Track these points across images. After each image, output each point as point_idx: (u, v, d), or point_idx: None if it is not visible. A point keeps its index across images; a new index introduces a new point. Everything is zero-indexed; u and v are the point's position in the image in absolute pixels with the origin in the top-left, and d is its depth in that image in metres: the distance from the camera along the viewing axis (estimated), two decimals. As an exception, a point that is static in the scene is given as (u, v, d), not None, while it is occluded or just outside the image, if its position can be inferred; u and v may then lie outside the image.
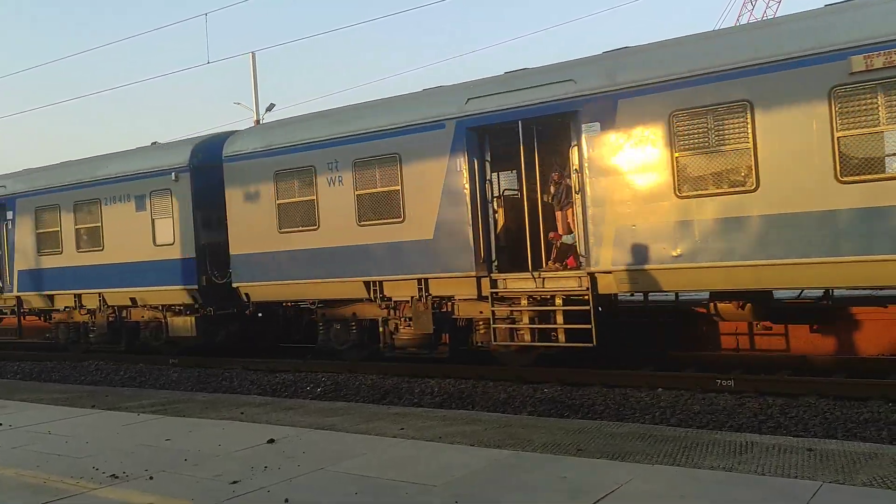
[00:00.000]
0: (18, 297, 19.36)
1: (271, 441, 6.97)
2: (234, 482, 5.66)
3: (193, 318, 15.84)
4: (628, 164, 10.90)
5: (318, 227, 13.78)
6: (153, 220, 16.22)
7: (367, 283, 13.35)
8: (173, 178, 15.80)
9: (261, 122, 32.81)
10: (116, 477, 5.99)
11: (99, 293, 17.51)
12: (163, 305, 16.51)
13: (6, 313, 20.33)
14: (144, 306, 16.84)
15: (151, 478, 5.92)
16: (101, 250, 17.27)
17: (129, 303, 17.01)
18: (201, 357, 16.55)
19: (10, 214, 19.36)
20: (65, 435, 7.83)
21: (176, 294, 16.04)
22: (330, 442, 6.90)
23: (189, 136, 16.82)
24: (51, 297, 18.67)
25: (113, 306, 17.43)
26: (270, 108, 37.50)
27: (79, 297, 17.98)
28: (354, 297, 13.66)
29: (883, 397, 9.37)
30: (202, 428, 7.89)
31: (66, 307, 18.51)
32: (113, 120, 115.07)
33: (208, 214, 15.74)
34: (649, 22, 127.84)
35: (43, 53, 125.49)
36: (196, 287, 15.55)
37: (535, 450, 6.20)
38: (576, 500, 4.85)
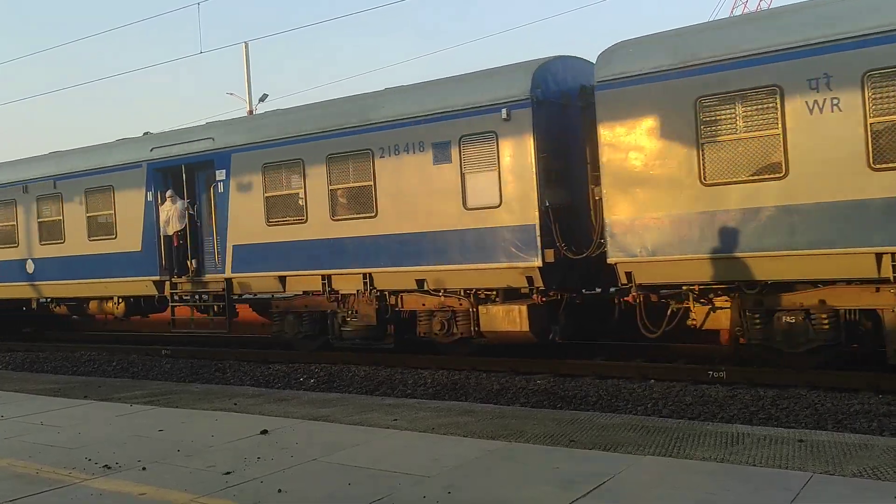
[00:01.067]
0: (229, 280, 15.04)
1: (264, 432, 6.97)
2: (228, 473, 5.67)
3: (525, 308, 11.67)
4: None
5: (786, 174, 9.59)
6: (463, 175, 12.15)
7: (878, 256, 9.19)
8: (503, 116, 11.70)
9: (254, 112, 32.74)
10: (109, 468, 5.98)
11: (364, 273, 13.34)
12: (465, 290, 12.50)
13: (205, 300, 15.68)
14: (438, 292, 12.77)
15: (144, 468, 5.92)
16: (373, 217, 13.12)
17: (414, 286, 12.92)
18: (194, 348, 16.53)
19: (221, 174, 15.03)
20: (57, 426, 7.82)
21: (500, 274, 11.95)
22: (323, 433, 6.91)
23: (522, 61, 12.40)
24: (282, 279, 14.43)
25: (382, 290, 13.35)
26: (263, 98, 37.43)
27: (328, 278, 13.86)
28: (836, 278, 9.69)
29: (873, 389, 9.44)
30: (195, 419, 7.89)
31: (305, 291, 14.39)
32: (105, 109, 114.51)
33: (552, 166, 11.78)
34: (642, 17, 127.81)
35: (34, 43, 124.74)
36: (538, 264, 11.46)
37: (528, 441, 6.23)
38: (568, 490, 4.87)
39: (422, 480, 5.25)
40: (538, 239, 11.49)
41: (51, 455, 6.54)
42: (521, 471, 5.40)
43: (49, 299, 18.86)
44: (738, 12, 59.52)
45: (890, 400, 8.88)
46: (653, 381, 10.69)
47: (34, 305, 19.26)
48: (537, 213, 11.50)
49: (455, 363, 12.78)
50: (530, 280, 11.72)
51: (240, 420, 7.69)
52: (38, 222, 18.07)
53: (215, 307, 15.51)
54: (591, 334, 12.90)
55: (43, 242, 17.96)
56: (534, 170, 11.53)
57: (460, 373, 12.08)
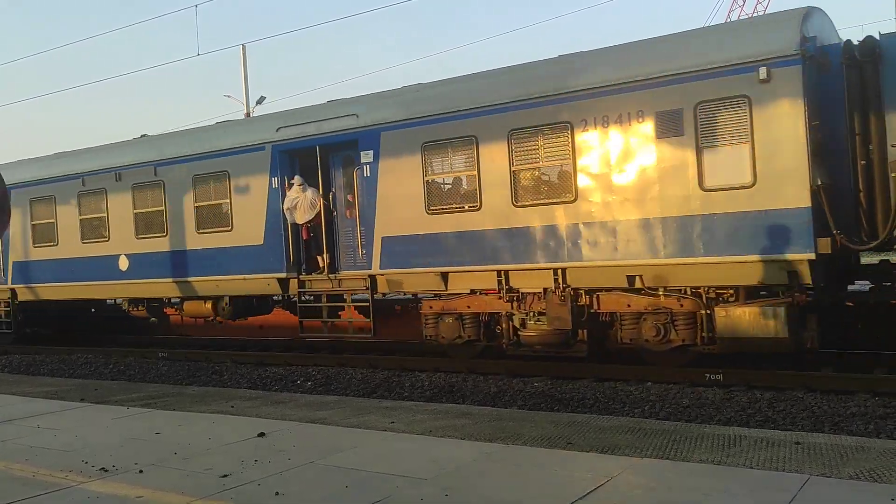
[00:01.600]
0: (374, 277, 13.11)
1: (262, 435, 6.96)
2: (225, 476, 5.66)
3: (783, 310, 9.80)
4: None
5: None
6: (699, 149, 10.22)
7: None
8: (761, 76, 9.72)
9: (251, 114, 32.74)
10: (106, 470, 5.97)
11: (556, 268, 11.31)
12: (692, 288, 10.60)
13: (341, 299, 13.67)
14: (655, 290, 10.79)
15: (141, 471, 5.90)
16: (571, 202, 11.13)
17: (623, 283, 10.99)
18: (190, 350, 16.50)
19: (367, 156, 13.00)
20: (54, 428, 7.80)
21: (750, 269, 10.00)
22: (321, 435, 6.90)
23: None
24: (444, 276, 12.44)
25: (577, 289, 11.32)
26: (261, 100, 37.47)
27: (505, 274, 11.84)
28: None
29: (870, 392, 9.46)
30: (192, 421, 7.87)
31: (473, 290, 12.28)
32: (103, 110, 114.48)
33: (818, 137, 9.91)
34: (639, 18, 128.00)
35: (32, 44, 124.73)
36: (809, 256, 9.58)
37: (526, 443, 6.23)
38: (566, 493, 4.87)
39: (419, 483, 5.24)
40: (811, 226, 9.59)
41: (48, 458, 6.53)
42: (518, 473, 5.40)
43: (123, 300, 17.07)
44: (734, 16, 59.70)
45: (886, 402, 8.91)
46: (650, 383, 10.70)
47: (125, 306, 17.50)
48: (808, 195, 9.58)
49: (452, 366, 12.77)
50: (791, 276, 9.85)
51: (237, 423, 7.68)
52: (135, 214, 16.11)
53: (350, 308, 13.59)
54: (836, 342, 11.11)
55: (140, 236, 16.04)
56: (804, 141, 9.61)
57: (457, 375, 12.08)
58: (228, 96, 77.19)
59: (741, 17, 55.76)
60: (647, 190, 10.68)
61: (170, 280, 15.67)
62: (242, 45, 34.75)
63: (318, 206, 13.62)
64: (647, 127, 10.65)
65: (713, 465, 5.31)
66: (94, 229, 16.96)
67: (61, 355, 17.45)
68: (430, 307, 12.81)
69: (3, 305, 18.86)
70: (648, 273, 10.80)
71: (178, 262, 15.46)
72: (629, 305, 11.07)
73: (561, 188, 11.37)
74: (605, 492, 4.88)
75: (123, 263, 16.36)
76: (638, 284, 10.90)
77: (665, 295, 10.80)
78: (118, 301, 18.01)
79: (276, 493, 5.16)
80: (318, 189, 13.78)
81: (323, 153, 13.78)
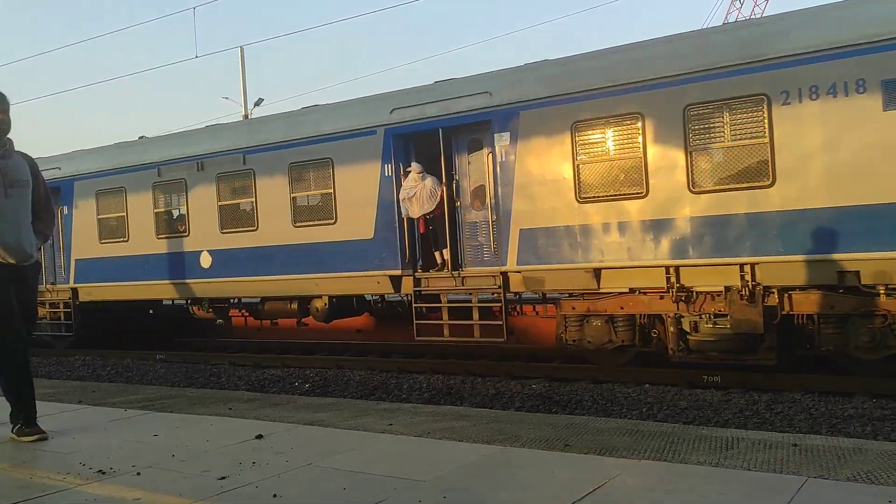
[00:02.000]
0: (506, 274, 11.85)
1: (259, 437, 6.95)
2: (223, 478, 5.65)
3: None
4: None
5: None
6: None
7: None
8: None
9: (249, 117, 32.73)
10: (103, 472, 5.96)
11: (743, 263, 10.13)
12: None
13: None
14: (873, 289, 9.50)
15: (139, 473, 5.89)
16: (767, 186, 9.82)
17: (832, 280, 9.69)
18: (188, 352, 16.50)
19: (502, 139, 11.72)
20: (51, 430, 7.78)
21: None
22: (318, 437, 6.89)
23: None
24: (596, 273, 11.16)
25: (768, 288, 10.06)
26: (259, 102, 37.55)
27: (675, 270, 10.49)
28: None
29: (867, 393, 9.48)
30: (190, 424, 7.86)
31: (632, 289, 10.99)
32: (101, 112, 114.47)
33: None
34: (638, 20, 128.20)
35: (30, 46, 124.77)
36: None
37: (524, 445, 6.22)
38: (564, 495, 4.87)
39: (417, 485, 5.24)
40: None
41: (45, 460, 6.51)
42: (516, 475, 5.39)
43: (206, 300, 15.82)
44: (731, 18, 59.83)
45: (884, 404, 8.94)
46: (647, 385, 10.72)
47: (207, 306, 16.31)
48: None
49: (450, 368, 12.78)
50: None
51: (235, 425, 7.67)
52: (219, 206, 15.00)
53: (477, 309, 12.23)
54: None
55: (225, 231, 14.90)
56: None
57: (455, 377, 12.10)
58: (227, 98, 77.27)
59: (739, 20, 55.88)
60: (869, 172, 9.32)
61: (260, 278, 14.51)
62: (241, 46, 34.83)
63: (437, 196, 12.50)
64: (870, 98, 9.25)
65: (711, 467, 5.31)
66: (171, 223, 15.90)
67: (59, 357, 17.44)
68: (573, 308, 11.57)
69: (62, 306, 17.73)
70: (869, 269, 9.42)
71: (271, 259, 14.37)
72: (832, 307, 9.83)
73: (753, 171, 10.05)
74: (603, 493, 4.88)
75: (206, 260, 15.27)
76: (851, 282, 9.61)
77: (886, 295, 9.48)
78: (175, 301, 16.93)
79: (274, 496, 5.16)
80: (441, 177, 12.61)
81: (445, 136, 12.60)
